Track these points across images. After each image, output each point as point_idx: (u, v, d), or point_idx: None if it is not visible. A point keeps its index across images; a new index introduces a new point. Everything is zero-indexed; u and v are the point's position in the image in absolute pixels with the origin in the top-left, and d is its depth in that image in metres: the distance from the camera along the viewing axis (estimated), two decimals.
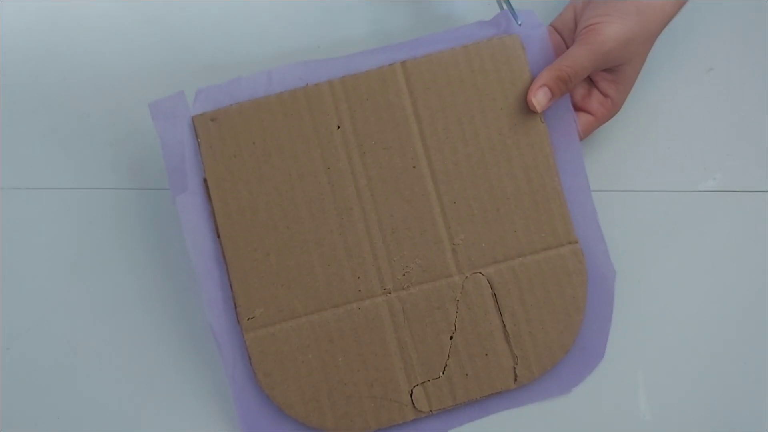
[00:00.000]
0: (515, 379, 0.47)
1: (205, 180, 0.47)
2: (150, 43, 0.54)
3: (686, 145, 0.53)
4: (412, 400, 0.46)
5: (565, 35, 0.50)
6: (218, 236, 0.47)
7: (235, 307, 0.47)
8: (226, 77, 0.49)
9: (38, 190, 0.51)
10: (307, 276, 0.47)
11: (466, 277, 0.47)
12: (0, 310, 0.49)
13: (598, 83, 0.49)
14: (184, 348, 0.49)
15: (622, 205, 0.52)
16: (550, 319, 0.47)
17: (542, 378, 0.47)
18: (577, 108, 0.50)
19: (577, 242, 0.47)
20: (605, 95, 0.49)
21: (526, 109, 0.47)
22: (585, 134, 0.49)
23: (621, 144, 0.53)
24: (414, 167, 0.47)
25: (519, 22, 0.49)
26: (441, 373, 0.46)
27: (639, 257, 0.51)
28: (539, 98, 0.47)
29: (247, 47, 0.54)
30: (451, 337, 0.46)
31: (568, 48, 0.48)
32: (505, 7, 0.49)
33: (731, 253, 0.51)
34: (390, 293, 0.47)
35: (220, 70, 0.53)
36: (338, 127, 0.47)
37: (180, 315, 0.50)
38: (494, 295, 0.47)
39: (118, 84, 0.53)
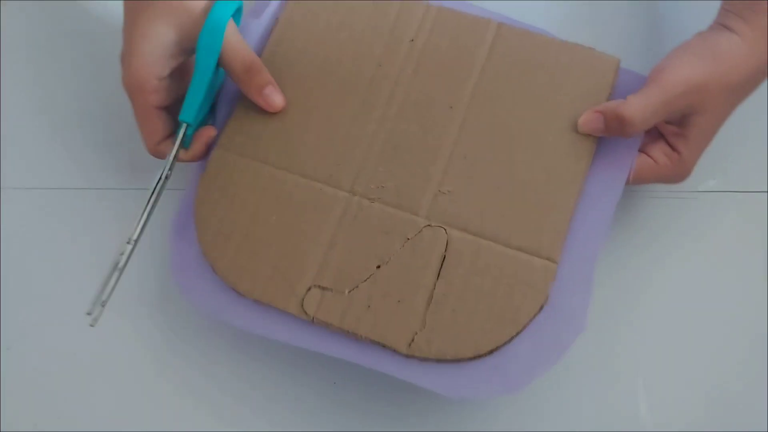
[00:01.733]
0: (409, 345, 0.43)
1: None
2: None
3: None
4: (304, 296, 0.44)
5: None
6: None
7: (223, 128, 0.47)
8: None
9: (38, 189, 0.51)
10: (300, 136, 0.47)
11: (429, 225, 0.45)
12: (0, 310, 0.49)
13: (667, 137, 0.46)
14: (184, 347, 0.49)
15: (622, 205, 0.52)
16: (480, 313, 0.43)
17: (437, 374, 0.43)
18: (639, 150, 0.46)
19: (555, 263, 0.44)
20: (673, 149, 0.46)
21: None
22: (637, 177, 0.46)
23: None
24: (450, 107, 0.47)
25: None
26: (347, 291, 0.44)
27: (639, 257, 0.51)
28: (586, 118, 0.45)
29: None
30: (378, 266, 0.45)
31: None
32: None
33: (731, 254, 0.51)
34: (355, 195, 0.46)
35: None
36: (411, 41, 0.49)
37: (181, 314, 0.50)
38: (444, 257, 0.45)
39: (118, 84, 0.53)
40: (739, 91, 0.44)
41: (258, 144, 0.47)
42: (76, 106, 0.53)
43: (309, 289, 0.44)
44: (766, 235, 0.51)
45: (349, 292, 0.44)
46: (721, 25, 0.46)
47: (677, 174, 0.46)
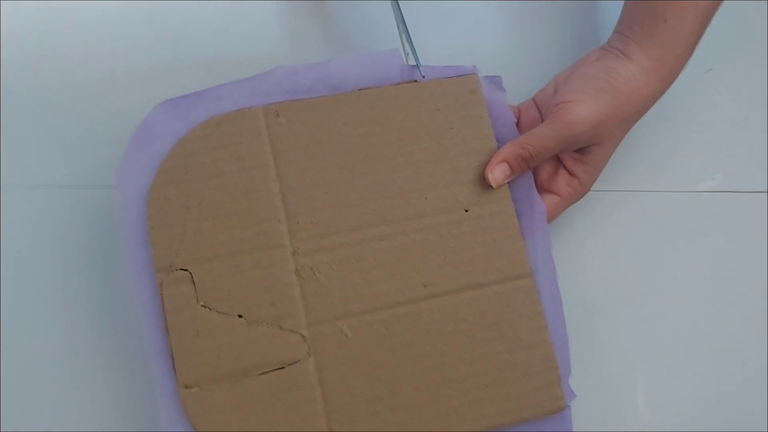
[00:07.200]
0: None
1: None
2: (150, 43, 0.54)
3: (686, 145, 0.53)
4: None
5: (543, 111, 0.48)
6: None
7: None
8: (226, 77, 0.49)
9: (38, 188, 0.51)
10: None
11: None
12: (0, 310, 0.49)
13: (564, 161, 0.47)
14: None
15: (622, 205, 0.52)
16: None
17: None
18: (543, 189, 0.48)
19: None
20: (572, 175, 0.47)
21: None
22: (550, 216, 0.47)
23: (621, 144, 0.53)
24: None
25: (423, 75, 0.47)
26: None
27: (639, 257, 0.51)
28: (496, 174, 0.45)
29: (246, 47, 0.54)
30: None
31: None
32: (411, 59, 0.47)
33: (731, 253, 0.51)
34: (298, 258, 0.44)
35: (220, 70, 0.53)
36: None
37: None
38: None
39: (118, 83, 0.53)
40: (633, 119, 0.46)
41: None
42: (76, 106, 0.53)
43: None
44: (766, 235, 0.52)
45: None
46: (619, 51, 0.46)
47: (579, 197, 0.48)
